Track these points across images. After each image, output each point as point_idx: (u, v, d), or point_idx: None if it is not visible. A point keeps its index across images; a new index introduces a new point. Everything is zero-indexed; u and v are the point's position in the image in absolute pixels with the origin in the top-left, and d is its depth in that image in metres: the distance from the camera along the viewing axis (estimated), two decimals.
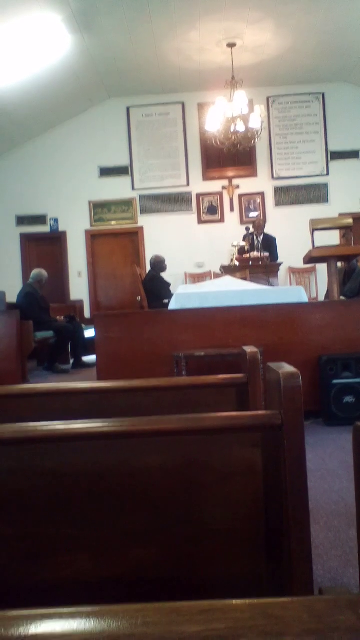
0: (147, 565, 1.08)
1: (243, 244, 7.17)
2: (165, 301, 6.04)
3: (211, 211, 8.83)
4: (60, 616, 0.53)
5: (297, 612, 0.52)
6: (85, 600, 0.81)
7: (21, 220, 8.94)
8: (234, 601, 0.54)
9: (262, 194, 8.79)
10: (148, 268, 7.49)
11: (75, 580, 1.07)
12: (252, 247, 7.07)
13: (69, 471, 1.12)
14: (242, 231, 7.93)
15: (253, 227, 7.62)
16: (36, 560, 1.08)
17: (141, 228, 8.87)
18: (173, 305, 4.34)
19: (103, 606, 0.54)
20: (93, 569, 1.07)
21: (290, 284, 8.31)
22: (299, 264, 7.02)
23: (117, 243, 8.99)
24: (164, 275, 7.18)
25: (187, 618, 0.52)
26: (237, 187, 8.80)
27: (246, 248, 7.07)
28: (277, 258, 7.42)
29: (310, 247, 4.72)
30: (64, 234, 8.94)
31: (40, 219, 8.91)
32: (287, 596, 0.76)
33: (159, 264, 7.11)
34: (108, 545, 1.08)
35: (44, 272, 6.61)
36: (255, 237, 7.27)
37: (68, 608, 0.54)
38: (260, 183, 8.80)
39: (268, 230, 7.86)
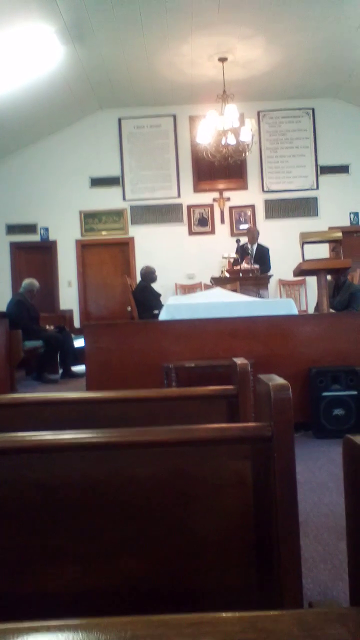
0: (137, 577, 1.07)
1: (234, 256, 7.20)
2: (156, 312, 6.04)
3: (202, 223, 8.87)
4: (48, 629, 0.52)
5: (287, 626, 0.52)
6: (74, 613, 0.80)
7: (11, 229, 8.92)
8: (224, 614, 0.54)
9: (252, 207, 8.85)
10: (138, 278, 7.50)
11: (64, 592, 1.05)
12: (245, 254, 7.10)
13: (57, 482, 1.11)
14: (232, 243, 7.97)
15: (247, 233, 7.65)
16: (24, 572, 1.07)
17: (132, 238, 8.89)
18: (163, 316, 4.34)
19: (91, 619, 0.53)
20: (82, 580, 1.06)
21: (281, 296, 8.35)
22: (289, 277, 7.06)
23: (107, 253, 8.99)
24: (155, 285, 7.19)
25: (176, 631, 0.51)
26: (228, 199, 8.85)
27: (237, 258, 7.10)
28: (269, 268, 7.47)
29: (300, 260, 4.75)
30: (54, 243, 8.93)
31: (30, 228, 8.90)
32: (276, 609, 0.75)
33: (149, 275, 7.12)
34: (97, 556, 1.07)
35: (35, 282, 6.59)
36: (249, 247, 7.31)
37: (56, 621, 0.54)
38: (251, 196, 8.87)
39: (259, 242, 7.91)
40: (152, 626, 0.52)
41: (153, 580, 1.07)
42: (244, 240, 7.51)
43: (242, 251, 7.23)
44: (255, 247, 7.52)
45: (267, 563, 1.04)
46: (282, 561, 0.96)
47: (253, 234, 7.64)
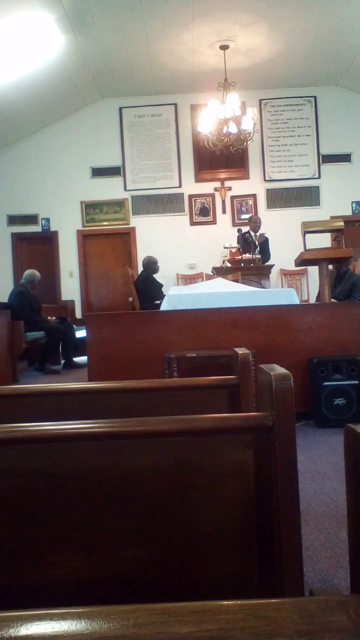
0: (139, 566, 1.07)
1: (236, 246, 7.18)
2: (158, 302, 6.04)
3: (203, 213, 8.84)
4: (51, 617, 0.53)
5: (289, 613, 0.52)
6: (76, 601, 0.81)
7: (12, 220, 8.90)
8: (226, 602, 0.54)
9: (254, 196, 8.81)
10: (140, 269, 7.49)
11: (66, 580, 1.06)
12: (248, 246, 7.08)
13: (60, 472, 1.11)
14: (234, 233, 7.95)
15: (249, 222, 7.62)
16: (27, 561, 1.08)
17: (133, 229, 8.87)
18: (165, 306, 4.34)
19: (94, 607, 0.54)
20: (84, 569, 1.07)
21: (282, 286, 8.34)
22: (291, 266, 7.05)
23: (108, 243, 8.97)
24: (156, 276, 7.18)
25: (179, 619, 0.52)
26: (229, 189, 8.82)
27: (239, 249, 7.09)
28: (269, 257, 7.47)
29: (302, 250, 4.74)
30: (55, 234, 8.92)
31: (31, 219, 8.88)
32: (278, 597, 0.76)
33: (151, 265, 7.11)
34: (99, 545, 1.08)
35: (36, 273, 6.59)
36: (251, 235, 7.29)
37: (59, 609, 0.54)
38: (253, 185, 8.83)
39: (261, 231, 7.89)
40: (154, 614, 0.52)
41: (155, 569, 1.08)
42: (245, 229, 7.48)
43: (243, 240, 7.21)
44: (258, 235, 7.50)
45: (268, 551, 1.04)
46: (283, 550, 0.96)
47: (256, 222, 7.62)
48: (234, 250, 7.20)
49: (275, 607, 0.53)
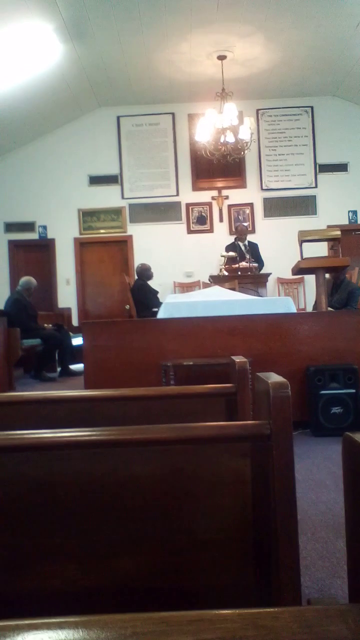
0: (136, 575, 1.07)
1: (232, 254, 7.22)
2: (155, 310, 6.05)
3: (200, 221, 8.86)
4: (48, 626, 0.52)
5: (288, 622, 0.52)
6: (73, 611, 0.80)
7: (10, 227, 8.90)
8: (224, 611, 0.54)
9: (251, 205, 8.85)
10: (136, 277, 7.50)
11: (63, 590, 1.05)
12: (241, 252, 7.14)
13: (56, 480, 1.11)
14: (231, 241, 8.00)
15: (236, 231, 7.69)
16: (23, 570, 1.07)
17: (130, 237, 8.88)
18: (162, 314, 4.34)
19: (92, 616, 0.53)
20: (81, 578, 1.06)
21: (279, 295, 8.35)
22: (288, 275, 7.07)
23: (106, 251, 8.98)
24: (151, 283, 7.19)
25: (177, 628, 0.51)
26: (227, 197, 8.85)
27: (236, 256, 7.14)
28: (263, 263, 7.55)
29: (299, 258, 4.76)
30: (52, 241, 8.92)
31: (28, 226, 8.89)
32: (275, 606, 0.75)
33: (145, 272, 7.13)
34: (96, 554, 1.07)
35: (32, 280, 6.59)
36: (239, 243, 7.36)
37: (56, 618, 0.54)
38: (250, 194, 8.87)
39: (258, 240, 7.94)
40: (152, 623, 0.52)
41: (152, 579, 1.07)
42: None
43: (233, 249, 7.28)
44: (246, 244, 7.57)
45: (266, 561, 1.04)
46: (280, 559, 0.96)
47: (242, 233, 7.71)
48: (225, 259, 7.22)
49: (274, 616, 0.53)
